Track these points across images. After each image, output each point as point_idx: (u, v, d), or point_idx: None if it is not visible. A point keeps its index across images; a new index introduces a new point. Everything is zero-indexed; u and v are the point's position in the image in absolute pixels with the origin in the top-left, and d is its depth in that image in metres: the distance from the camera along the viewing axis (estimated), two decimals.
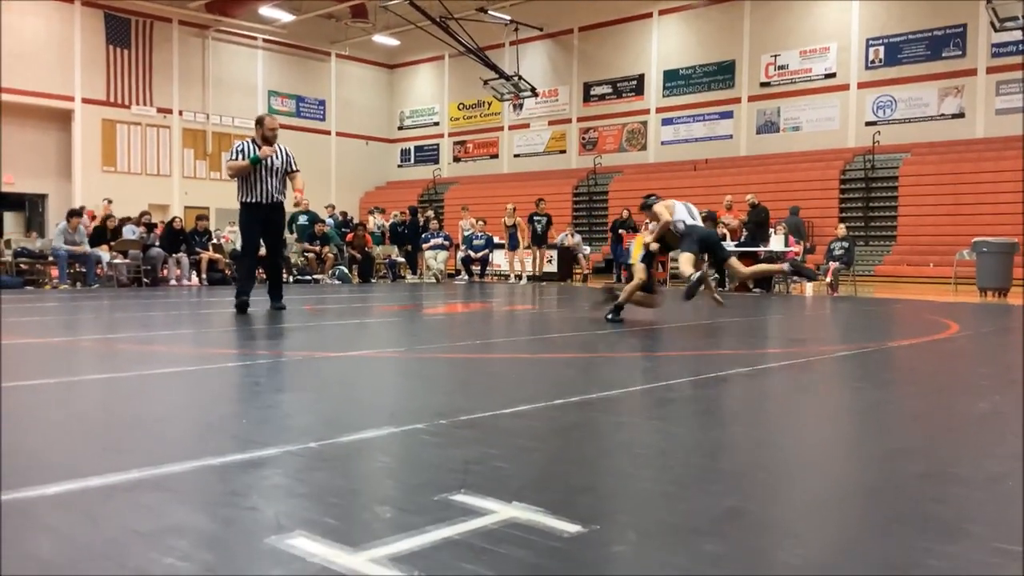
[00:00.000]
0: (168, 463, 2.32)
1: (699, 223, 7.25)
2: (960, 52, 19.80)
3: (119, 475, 2.20)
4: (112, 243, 14.38)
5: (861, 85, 21.28)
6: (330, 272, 16.49)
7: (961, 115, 19.85)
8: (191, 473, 2.27)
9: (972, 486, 2.28)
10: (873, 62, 21.08)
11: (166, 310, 9.13)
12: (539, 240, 18.09)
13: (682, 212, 7.17)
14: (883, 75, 20.94)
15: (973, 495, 2.19)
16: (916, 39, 20.39)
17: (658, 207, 7.19)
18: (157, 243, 14.69)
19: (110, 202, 18.82)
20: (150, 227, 15.36)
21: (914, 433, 3.12)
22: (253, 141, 8.04)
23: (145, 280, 14.23)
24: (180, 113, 26.16)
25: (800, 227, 17.22)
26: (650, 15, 24.88)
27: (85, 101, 24.07)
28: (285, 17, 26.38)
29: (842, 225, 16.31)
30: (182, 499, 2.05)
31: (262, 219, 8.06)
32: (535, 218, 18.00)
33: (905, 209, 19.42)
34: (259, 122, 8.18)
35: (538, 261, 18.19)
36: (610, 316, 7.21)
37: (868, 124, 21.05)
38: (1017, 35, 17.20)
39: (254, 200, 8.00)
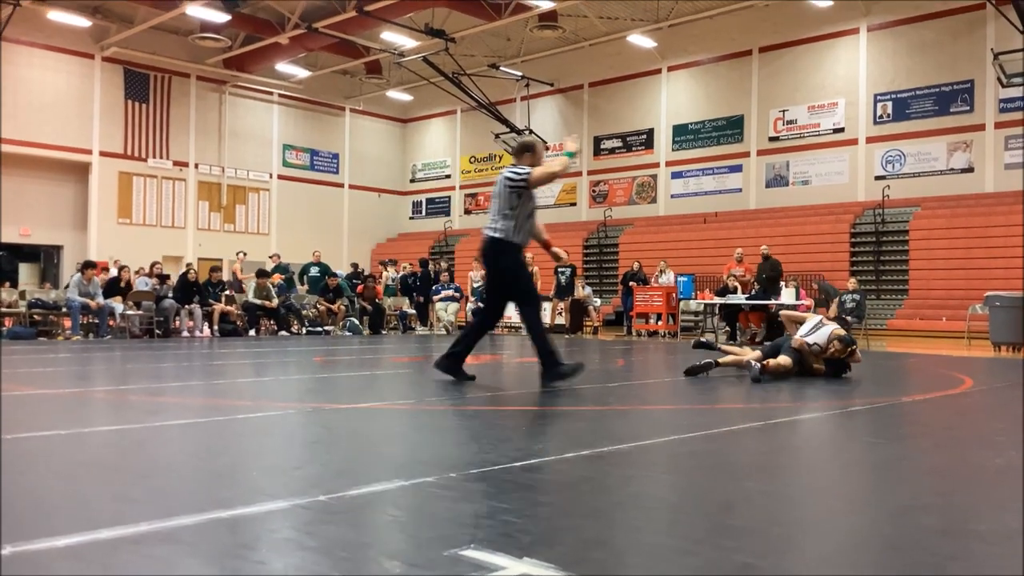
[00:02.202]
0: (178, 515, 2.31)
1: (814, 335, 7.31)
2: (968, 107, 19.96)
3: (129, 527, 2.20)
4: (126, 295, 14.48)
5: (870, 140, 21.43)
6: (341, 324, 16.54)
7: (970, 169, 19.93)
8: (200, 525, 2.26)
9: (990, 542, 2.25)
10: (881, 117, 21.26)
11: (178, 362, 9.15)
12: (563, 292, 18.17)
13: (803, 326, 7.44)
14: (891, 130, 21.10)
15: (991, 551, 2.16)
16: (924, 94, 20.59)
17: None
18: (170, 294, 14.78)
19: (243, 255, 19.10)
20: (163, 278, 15.48)
21: (931, 488, 3.08)
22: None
23: (158, 331, 14.29)
24: (196, 166, 26.55)
25: (829, 291, 17.18)
26: (659, 71, 25.25)
27: (103, 154, 24.49)
28: (301, 73, 26.93)
29: (853, 279, 16.27)
30: (191, 552, 2.04)
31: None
32: (559, 270, 18.10)
33: (916, 263, 19.40)
34: (530, 149, 6.19)
35: (553, 313, 18.23)
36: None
37: (877, 178, 21.15)
38: None
39: (523, 241, 6.17)
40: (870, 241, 20.25)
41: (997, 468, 3.45)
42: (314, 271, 18.57)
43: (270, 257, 20.62)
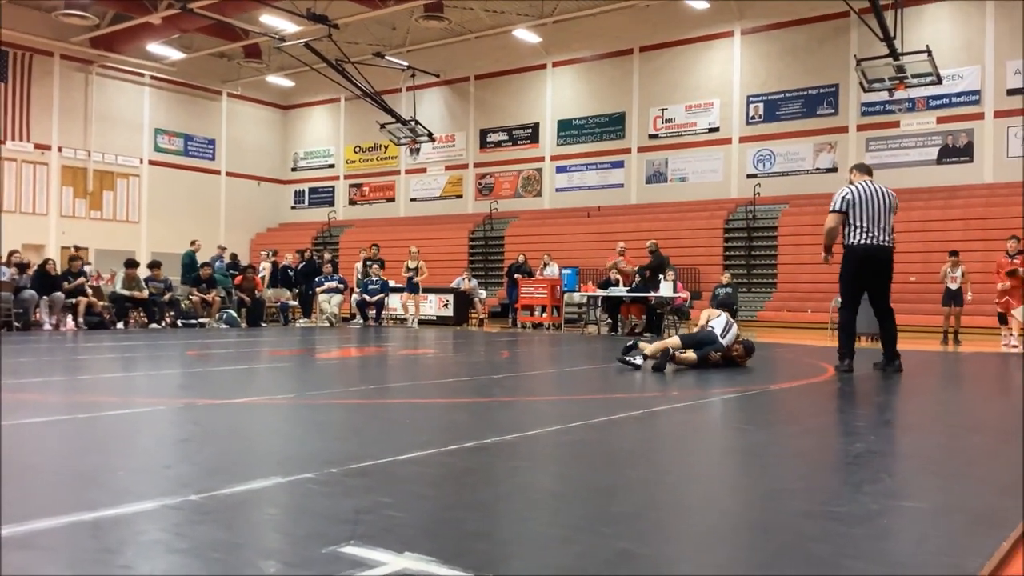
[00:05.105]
0: (35, 519, 2.17)
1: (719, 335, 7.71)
2: (833, 110, 21.08)
3: None
4: None
5: (743, 139, 22.33)
6: (217, 316, 15.97)
7: (834, 169, 21.03)
8: (60, 529, 2.13)
9: (848, 523, 2.37)
10: (753, 118, 22.18)
11: (39, 356, 8.63)
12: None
13: (716, 324, 7.78)
14: (763, 130, 22.04)
15: (850, 532, 2.28)
16: (793, 97, 21.60)
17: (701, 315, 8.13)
18: (29, 285, 13.90)
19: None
20: (22, 268, 14.53)
21: (795, 473, 3.23)
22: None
23: (17, 324, 13.42)
24: (60, 149, 25.07)
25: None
26: (544, 66, 25.52)
27: None
28: (174, 55, 25.77)
29: (726, 272, 16.91)
30: (50, 558, 1.92)
31: None
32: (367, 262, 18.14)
33: (784, 257, 20.34)
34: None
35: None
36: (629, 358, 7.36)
37: (749, 176, 22.06)
38: (884, 95, 18.40)
39: None
40: (742, 236, 21.11)
41: (856, 452, 3.66)
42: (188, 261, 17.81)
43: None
